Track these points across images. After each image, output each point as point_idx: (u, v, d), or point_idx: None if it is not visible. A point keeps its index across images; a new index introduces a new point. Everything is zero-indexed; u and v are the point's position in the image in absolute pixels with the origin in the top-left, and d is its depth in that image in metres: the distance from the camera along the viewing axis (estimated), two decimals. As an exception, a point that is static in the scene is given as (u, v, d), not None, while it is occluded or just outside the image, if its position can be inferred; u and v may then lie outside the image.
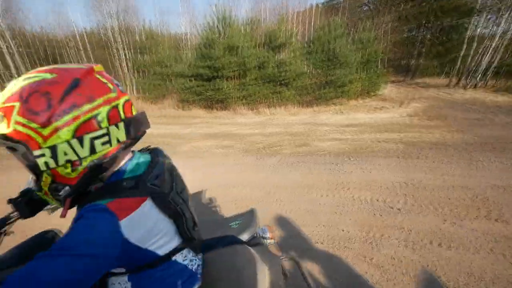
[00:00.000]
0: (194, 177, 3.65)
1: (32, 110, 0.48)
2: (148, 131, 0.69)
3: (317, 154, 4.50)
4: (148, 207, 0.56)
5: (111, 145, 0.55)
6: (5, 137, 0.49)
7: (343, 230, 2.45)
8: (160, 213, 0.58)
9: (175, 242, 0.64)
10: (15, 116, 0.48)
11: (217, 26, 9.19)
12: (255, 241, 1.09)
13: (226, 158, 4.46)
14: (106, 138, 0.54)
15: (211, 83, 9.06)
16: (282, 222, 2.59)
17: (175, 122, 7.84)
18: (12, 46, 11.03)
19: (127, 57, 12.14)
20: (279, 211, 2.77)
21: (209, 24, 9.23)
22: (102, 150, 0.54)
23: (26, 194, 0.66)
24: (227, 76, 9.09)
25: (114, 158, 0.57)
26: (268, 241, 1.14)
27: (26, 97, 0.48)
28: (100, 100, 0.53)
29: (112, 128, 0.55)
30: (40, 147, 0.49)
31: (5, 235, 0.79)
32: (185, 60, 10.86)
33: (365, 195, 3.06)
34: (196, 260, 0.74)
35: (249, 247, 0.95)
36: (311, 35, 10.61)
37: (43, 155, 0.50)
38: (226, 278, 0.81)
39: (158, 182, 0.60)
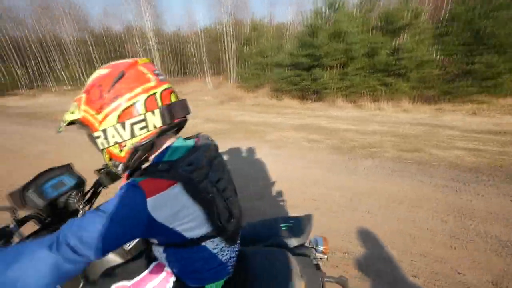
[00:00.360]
0: (276, 167, 3.64)
1: (91, 99, 0.59)
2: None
3: (433, 165, 3.49)
4: (177, 191, 0.56)
5: (148, 130, 0.60)
6: (78, 121, 0.62)
7: (458, 273, 1.78)
8: (190, 199, 0.57)
9: (205, 229, 0.62)
10: (82, 105, 0.60)
11: (325, 11, 8.61)
12: (302, 251, 0.94)
13: (313, 153, 4.20)
14: (143, 124, 0.59)
15: (309, 73, 8.74)
16: (366, 238, 2.16)
17: (268, 111, 8.13)
18: (155, 44, 14.43)
19: (234, 48, 13.53)
20: (366, 224, 2.33)
21: (316, 10, 8.78)
22: (140, 134, 0.60)
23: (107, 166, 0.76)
24: (327, 65, 8.50)
25: (152, 142, 0.62)
26: (319, 254, 0.96)
27: (88, 89, 0.60)
28: (138, 89, 0.58)
29: (149, 115, 0.59)
30: (97, 130, 0.59)
31: (103, 187, 0.99)
32: (286, 49, 10.96)
33: (508, 234, 2.10)
34: (228, 251, 0.70)
35: (290, 255, 0.84)
36: (446, 13, 8.19)
37: (99, 136, 0.60)
38: (256, 280, 0.75)
39: (191, 169, 0.59)
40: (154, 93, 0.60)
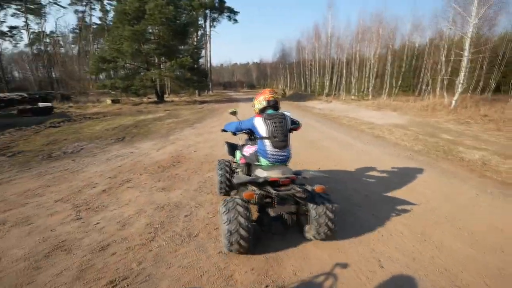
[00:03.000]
0: None
1: (255, 97, 2.53)
2: None
3: None
4: (261, 118, 2.26)
5: (261, 106, 2.41)
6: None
7: None
8: (263, 123, 2.23)
9: (264, 133, 2.23)
10: (255, 98, 2.56)
11: None
12: (301, 179, 2.26)
13: None
14: (261, 103, 2.41)
15: None
16: None
17: None
18: (468, 54, 11.05)
19: None
20: None
21: None
22: (259, 106, 2.42)
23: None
24: None
25: (262, 108, 2.40)
26: (309, 186, 2.12)
27: (256, 94, 2.61)
28: (261, 96, 2.44)
29: (262, 102, 2.41)
30: (254, 105, 2.52)
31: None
32: None
33: None
34: (273, 150, 2.23)
35: (288, 168, 2.24)
36: None
37: (253, 107, 2.53)
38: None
39: (267, 115, 2.26)
40: (266, 97, 2.40)
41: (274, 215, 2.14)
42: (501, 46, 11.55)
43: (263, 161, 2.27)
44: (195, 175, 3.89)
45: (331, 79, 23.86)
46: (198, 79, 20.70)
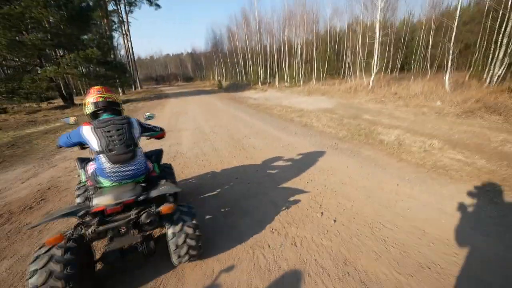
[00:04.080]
0: None
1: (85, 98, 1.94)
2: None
3: None
4: (90, 128, 1.73)
5: (91, 110, 1.84)
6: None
7: None
8: (94, 134, 1.71)
9: (97, 147, 1.71)
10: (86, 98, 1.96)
11: None
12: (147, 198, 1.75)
13: None
14: (90, 107, 1.84)
15: None
16: None
17: None
18: (379, 37, 12.16)
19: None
20: None
21: None
22: (89, 111, 1.85)
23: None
24: None
25: (92, 112, 1.86)
26: (154, 209, 1.72)
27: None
28: (89, 97, 1.85)
29: (91, 104, 1.83)
30: (85, 107, 1.90)
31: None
32: None
33: None
34: (109, 165, 1.74)
35: (132, 187, 1.77)
36: None
37: (85, 108, 1.89)
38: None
39: (98, 123, 1.73)
40: (94, 97, 1.83)
41: (127, 247, 1.71)
42: (402, 31, 13.14)
43: (104, 182, 1.79)
44: (60, 222, 2.64)
45: (265, 67, 23.75)
46: (116, 75, 17.61)
